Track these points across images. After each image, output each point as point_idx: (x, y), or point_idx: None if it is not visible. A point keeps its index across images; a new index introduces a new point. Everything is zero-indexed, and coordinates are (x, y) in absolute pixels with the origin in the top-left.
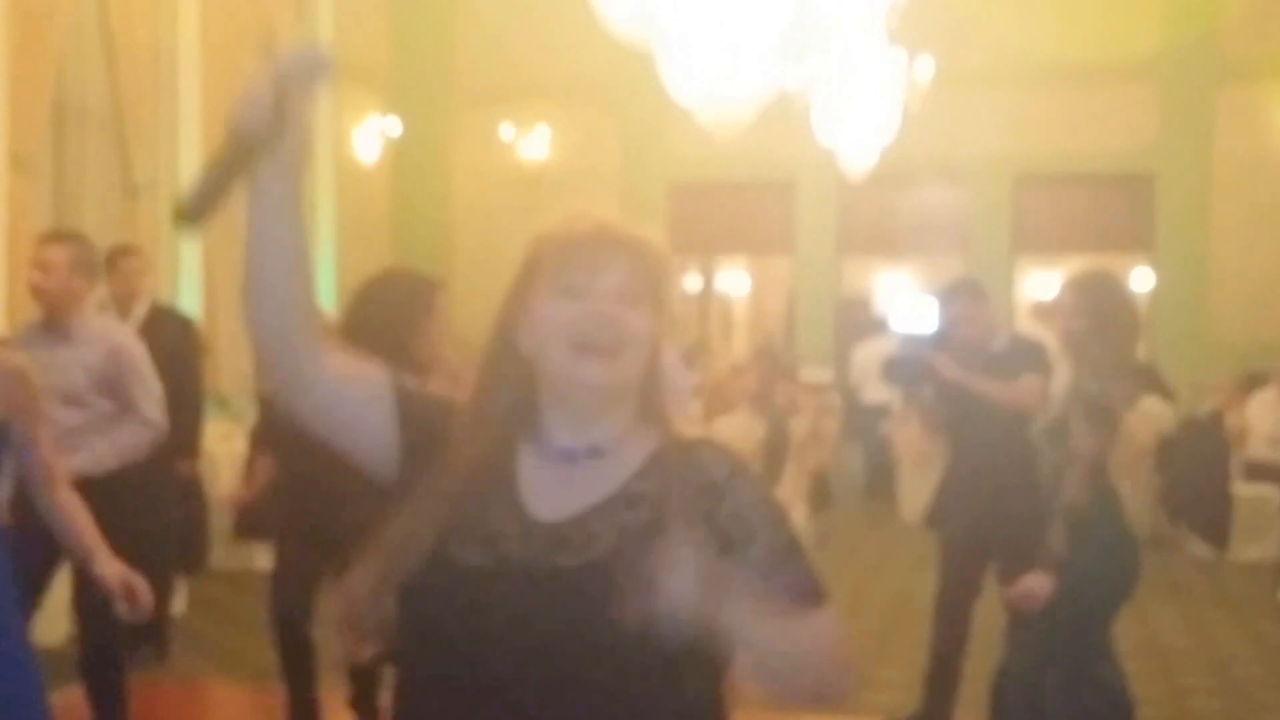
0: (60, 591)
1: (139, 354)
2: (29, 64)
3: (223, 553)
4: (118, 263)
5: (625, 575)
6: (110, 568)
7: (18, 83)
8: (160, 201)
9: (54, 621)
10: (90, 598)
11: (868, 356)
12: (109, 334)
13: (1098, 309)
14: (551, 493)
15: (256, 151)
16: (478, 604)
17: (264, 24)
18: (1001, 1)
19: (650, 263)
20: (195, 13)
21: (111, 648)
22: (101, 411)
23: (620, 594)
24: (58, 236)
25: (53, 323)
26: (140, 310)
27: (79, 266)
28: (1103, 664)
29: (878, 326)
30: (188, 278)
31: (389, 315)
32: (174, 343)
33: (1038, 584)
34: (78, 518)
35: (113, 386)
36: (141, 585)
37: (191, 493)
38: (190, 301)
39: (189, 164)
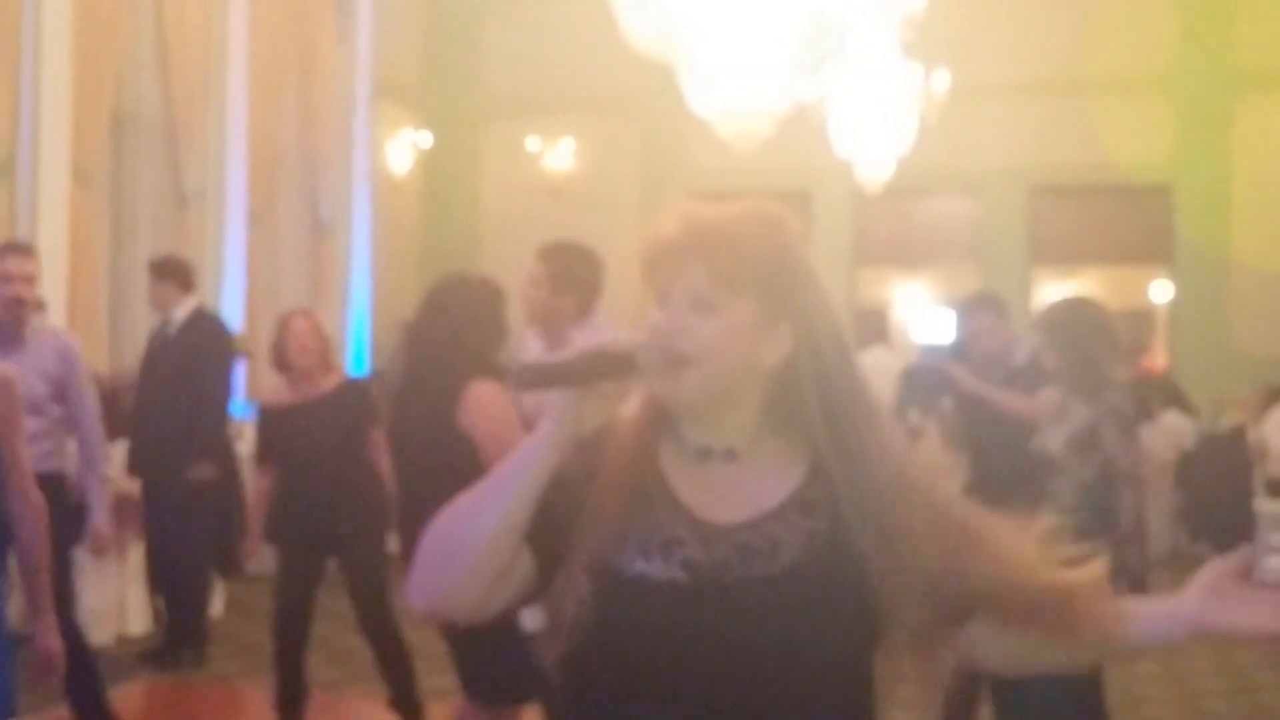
0: (111, 593)
1: (81, 358)
2: (90, 81)
3: (260, 555)
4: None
5: (820, 583)
6: (51, 641)
7: (80, 99)
8: (208, 211)
9: (104, 622)
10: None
11: (870, 365)
12: (54, 336)
13: (1071, 341)
14: (707, 494)
15: (615, 378)
16: (678, 621)
17: (306, 45)
18: (1017, 14)
19: (743, 253)
20: (243, 32)
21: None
22: (55, 417)
23: (819, 601)
24: (27, 248)
25: (14, 333)
26: (181, 314)
27: (37, 276)
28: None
29: (884, 336)
30: (232, 285)
31: (466, 324)
32: (206, 345)
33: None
34: (38, 549)
35: (64, 389)
36: (57, 659)
37: (229, 496)
38: (234, 307)
39: (235, 175)
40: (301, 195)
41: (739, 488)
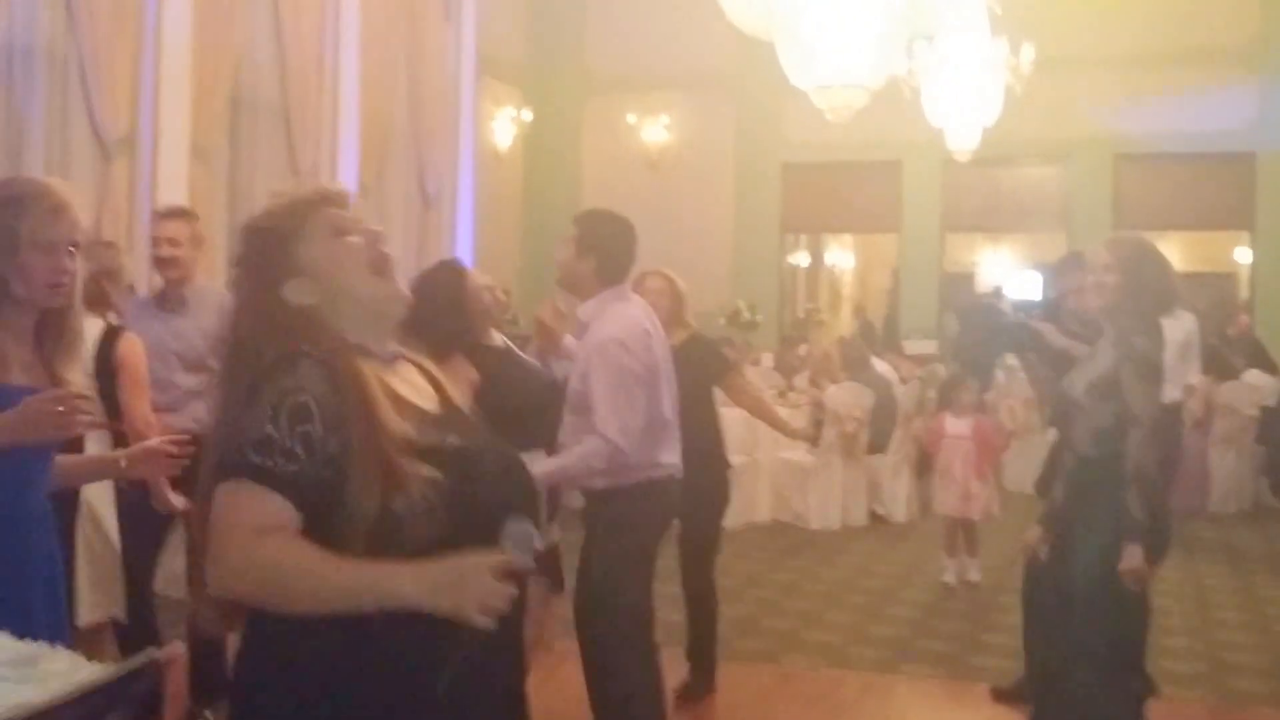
0: None
1: None
2: (211, 65)
3: None
4: None
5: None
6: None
7: (201, 82)
8: None
9: None
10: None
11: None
12: (219, 297)
13: (1128, 267)
14: (407, 391)
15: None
16: (472, 473)
17: (415, 27)
18: None
19: None
20: (354, 16)
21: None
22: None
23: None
24: (179, 212)
25: (174, 293)
26: None
27: (197, 239)
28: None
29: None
30: None
31: (442, 306)
32: None
33: (1133, 557)
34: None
35: None
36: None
37: None
38: None
39: (347, 152)
40: (409, 170)
41: (419, 384)
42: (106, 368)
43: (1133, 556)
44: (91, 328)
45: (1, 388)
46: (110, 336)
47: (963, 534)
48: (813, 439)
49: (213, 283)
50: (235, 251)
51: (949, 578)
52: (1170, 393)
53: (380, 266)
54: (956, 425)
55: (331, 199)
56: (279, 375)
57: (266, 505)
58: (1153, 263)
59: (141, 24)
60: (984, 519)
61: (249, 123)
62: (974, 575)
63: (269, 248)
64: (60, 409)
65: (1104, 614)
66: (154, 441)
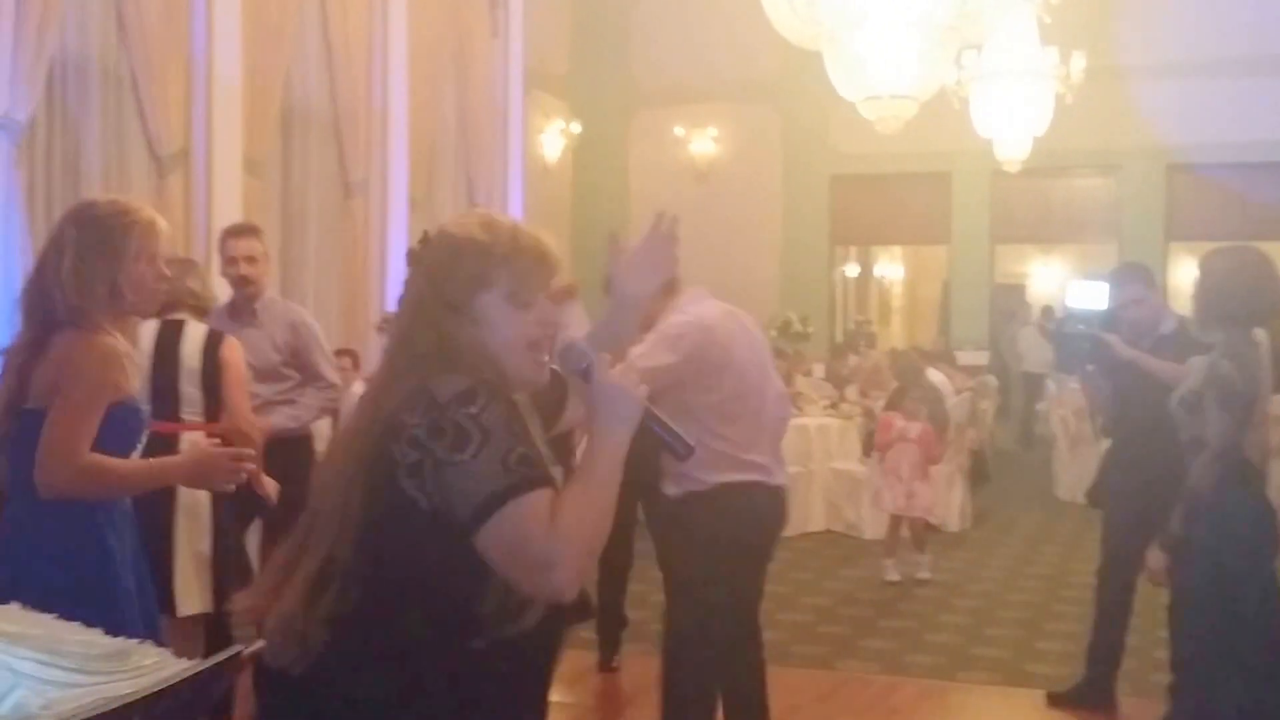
0: None
1: (316, 327)
2: (261, 79)
3: None
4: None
5: None
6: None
7: (253, 96)
8: (371, 199)
9: None
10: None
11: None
12: (289, 312)
13: (1203, 279)
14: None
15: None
16: None
17: (462, 41)
18: None
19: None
20: (402, 31)
21: None
22: (295, 383)
23: None
24: (251, 229)
25: (246, 306)
26: None
27: (267, 254)
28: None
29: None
30: (396, 269)
31: None
32: None
33: (1153, 560)
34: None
35: (298, 358)
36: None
37: None
38: (396, 289)
39: (397, 165)
40: (459, 183)
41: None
42: (212, 369)
43: (1155, 559)
44: (195, 333)
45: (133, 405)
46: (214, 340)
47: (911, 532)
48: None
49: (278, 295)
50: (429, 255)
51: (893, 576)
52: None
53: (539, 346)
54: (907, 428)
55: (546, 261)
56: (492, 401)
57: (545, 501)
58: (1232, 274)
59: (191, 38)
60: (929, 517)
61: (300, 136)
62: (924, 573)
63: (454, 279)
64: (233, 464)
65: (1210, 615)
66: (208, 449)
